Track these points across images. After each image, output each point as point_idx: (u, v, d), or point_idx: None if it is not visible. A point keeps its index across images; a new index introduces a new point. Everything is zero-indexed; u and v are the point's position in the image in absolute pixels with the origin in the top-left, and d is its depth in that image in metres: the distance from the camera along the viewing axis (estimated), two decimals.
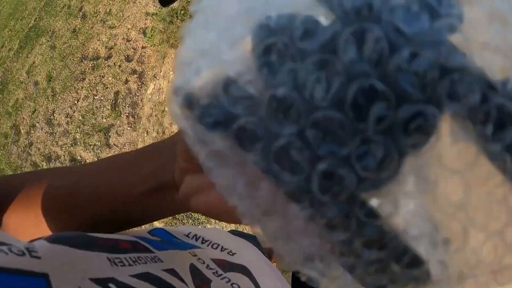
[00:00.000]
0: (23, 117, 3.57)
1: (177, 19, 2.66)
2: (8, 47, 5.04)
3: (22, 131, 3.44)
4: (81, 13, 3.76)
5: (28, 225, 0.33)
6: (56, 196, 0.33)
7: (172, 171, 0.27)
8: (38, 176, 0.37)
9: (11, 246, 0.18)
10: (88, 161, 2.58)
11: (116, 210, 0.32)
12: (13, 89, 4.06)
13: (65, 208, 0.33)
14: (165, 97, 2.50)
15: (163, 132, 2.34)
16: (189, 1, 2.78)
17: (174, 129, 2.29)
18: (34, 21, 4.75)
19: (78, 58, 3.25)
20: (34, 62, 3.94)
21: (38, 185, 0.34)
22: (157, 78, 2.68)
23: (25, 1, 6.29)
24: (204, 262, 0.34)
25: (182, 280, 0.28)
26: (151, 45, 2.86)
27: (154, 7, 3.35)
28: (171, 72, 2.58)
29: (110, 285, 0.21)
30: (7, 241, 0.19)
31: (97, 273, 0.22)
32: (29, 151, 3.17)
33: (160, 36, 2.73)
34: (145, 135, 2.45)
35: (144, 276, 0.24)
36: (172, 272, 0.28)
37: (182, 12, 2.69)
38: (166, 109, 2.43)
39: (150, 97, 2.60)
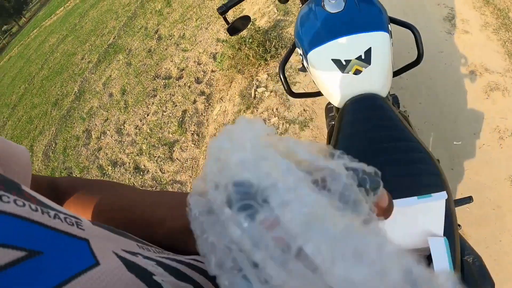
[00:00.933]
0: (95, 124, 3.88)
1: (245, 46, 2.80)
2: (88, 59, 5.53)
3: (93, 136, 3.72)
4: (156, 35, 4.08)
5: None
6: (102, 210, 0.42)
7: None
8: (98, 186, 0.47)
9: (67, 216, 0.23)
10: (150, 170, 2.75)
11: (147, 236, 0.38)
12: (89, 98, 4.44)
13: (106, 221, 0.38)
14: (228, 119, 2.63)
15: None
16: (257, 31, 2.94)
17: None
18: (113, 39, 5.20)
19: (152, 76, 3.50)
20: (110, 76, 4.30)
21: (95, 193, 0.44)
22: (223, 101, 2.82)
23: (106, 20, 6.90)
24: None
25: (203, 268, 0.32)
26: (220, 69, 3.03)
27: (225, 34, 3.56)
28: (237, 96, 2.72)
29: (137, 255, 0.26)
30: (66, 212, 0.24)
31: (128, 248, 0.27)
32: (97, 154, 3.41)
33: (229, 61, 2.89)
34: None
35: (167, 258, 0.29)
36: (193, 260, 0.32)
37: (250, 40, 2.83)
38: None
39: (215, 118, 2.75)
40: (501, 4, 2.95)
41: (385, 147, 0.95)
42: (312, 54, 1.18)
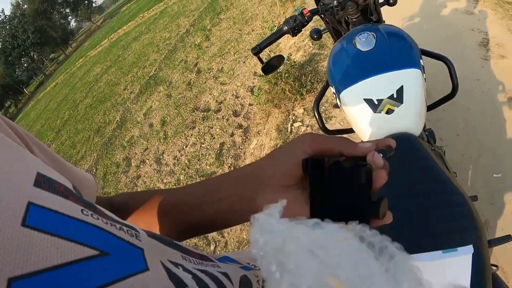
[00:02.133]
0: (135, 152, 4.00)
1: (282, 81, 2.84)
2: (130, 90, 5.78)
3: (132, 164, 3.83)
4: (196, 68, 4.22)
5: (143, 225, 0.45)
6: (165, 204, 0.48)
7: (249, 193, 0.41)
8: (159, 192, 0.52)
9: (129, 229, 0.29)
10: None
11: (205, 217, 0.45)
12: (130, 127, 4.61)
13: (168, 213, 0.47)
14: (265, 153, 2.64)
15: None
16: (292, 65, 2.98)
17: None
18: (155, 71, 5.42)
19: (191, 108, 3.60)
20: (151, 107, 4.46)
21: (156, 197, 0.50)
22: (260, 134, 2.84)
23: (148, 53, 7.24)
24: (259, 281, 0.45)
25: (231, 282, 0.37)
26: (257, 103, 3.07)
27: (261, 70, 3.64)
28: (273, 130, 2.73)
29: (179, 266, 0.31)
30: (128, 224, 0.30)
31: (173, 259, 0.32)
32: (136, 182, 3.50)
33: (266, 96, 2.93)
34: None
35: (203, 271, 0.34)
36: (225, 275, 0.37)
37: (286, 75, 2.87)
38: None
39: (252, 151, 2.77)
40: None
41: (417, 190, 0.92)
42: (344, 94, 1.17)
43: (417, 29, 3.14)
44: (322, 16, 1.43)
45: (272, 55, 1.58)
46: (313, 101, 2.76)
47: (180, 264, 0.32)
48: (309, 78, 2.89)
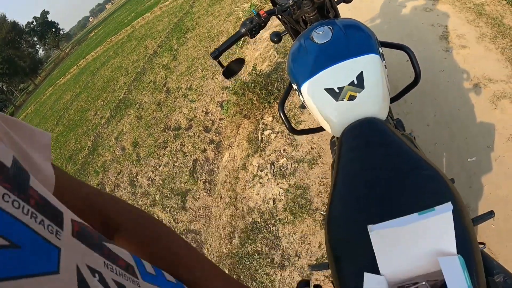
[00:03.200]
0: (109, 177, 3.90)
1: (249, 91, 2.85)
2: (100, 115, 5.68)
3: (107, 188, 3.73)
4: (165, 88, 4.19)
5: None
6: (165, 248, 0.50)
7: None
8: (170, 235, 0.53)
9: (50, 224, 0.27)
10: (164, 221, 2.72)
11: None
12: (102, 152, 4.50)
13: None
14: (238, 165, 2.63)
15: (235, 198, 2.43)
16: (258, 75, 3.00)
17: (245, 194, 2.37)
18: (124, 94, 5.35)
19: (162, 128, 3.56)
20: (122, 130, 4.38)
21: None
22: (232, 147, 2.84)
23: (117, 77, 7.16)
24: None
25: None
26: (227, 117, 3.07)
27: (229, 81, 3.65)
28: (244, 141, 2.73)
29: (96, 274, 0.29)
30: (52, 220, 0.28)
31: (93, 264, 0.30)
32: None
33: (234, 107, 2.93)
34: (219, 200, 2.55)
35: (120, 286, 0.32)
36: None
37: (252, 84, 2.89)
38: (239, 176, 2.54)
39: (225, 164, 2.75)
40: (494, 13, 2.98)
41: (387, 167, 0.90)
42: (304, 87, 1.16)
43: (378, 29, 3.24)
44: (280, 17, 1.42)
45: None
46: None
47: (99, 272, 0.30)
48: (275, 86, 2.92)
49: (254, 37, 1.31)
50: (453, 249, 0.63)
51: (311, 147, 2.40)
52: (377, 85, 1.11)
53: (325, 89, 1.10)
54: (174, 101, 3.84)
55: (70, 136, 6.17)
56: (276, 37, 1.37)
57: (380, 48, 1.19)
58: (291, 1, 1.31)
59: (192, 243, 2.33)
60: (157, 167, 3.25)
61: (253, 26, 1.26)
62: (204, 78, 3.93)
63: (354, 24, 1.21)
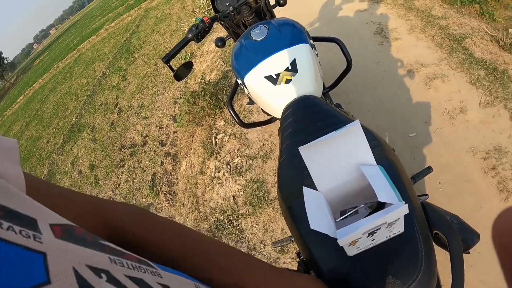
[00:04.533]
0: None
1: (199, 99, 2.90)
2: (53, 142, 5.43)
3: None
4: (117, 109, 4.12)
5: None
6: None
7: None
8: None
9: (22, 229, 0.21)
10: None
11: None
12: (59, 178, 4.31)
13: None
14: (196, 171, 2.66)
15: (197, 202, 2.46)
16: (207, 83, 3.06)
17: (206, 197, 2.42)
18: (76, 118, 5.17)
19: (117, 147, 3.50)
20: (77, 154, 4.24)
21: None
22: (188, 155, 2.86)
23: (67, 102, 6.88)
24: None
25: None
26: (180, 127, 3.09)
27: (180, 93, 3.67)
28: (200, 148, 2.77)
29: (102, 274, 0.23)
30: (30, 222, 0.22)
31: (95, 263, 0.23)
32: None
33: (187, 117, 2.96)
34: (182, 207, 2.57)
35: (138, 281, 0.26)
36: None
37: (202, 93, 2.94)
38: (198, 181, 2.58)
39: (183, 173, 2.77)
40: (423, 7, 3.23)
41: (324, 130, 1.00)
42: (247, 78, 1.27)
43: (319, 31, 3.41)
44: (222, 22, 1.52)
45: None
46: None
47: (105, 271, 0.24)
48: (224, 92, 2.99)
49: (199, 41, 1.40)
50: (372, 161, 0.69)
51: (263, 144, 2.49)
52: (309, 68, 1.24)
53: (265, 77, 1.22)
54: (127, 120, 3.79)
55: (24, 167, 5.79)
56: (220, 42, 1.47)
57: (310, 40, 1.34)
58: (231, 8, 1.41)
59: None
60: (117, 185, 3.20)
61: (199, 32, 1.36)
62: (155, 94, 3.92)
63: (287, 21, 1.35)
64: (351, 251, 0.67)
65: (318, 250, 0.76)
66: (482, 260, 1.63)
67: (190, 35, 1.36)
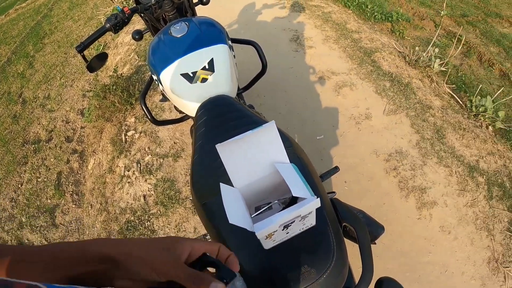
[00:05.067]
0: None
1: (110, 94, 2.71)
2: None
3: None
4: (21, 99, 3.69)
5: None
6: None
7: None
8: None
9: None
10: (35, 242, 2.45)
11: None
12: None
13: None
14: (104, 170, 2.50)
15: (106, 202, 2.32)
16: (119, 77, 2.88)
17: (116, 197, 2.29)
18: None
19: (20, 142, 3.15)
20: None
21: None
22: (96, 152, 2.68)
23: None
24: None
25: None
26: (89, 122, 2.87)
27: (89, 86, 3.40)
28: (109, 145, 2.60)
29: None
30: None
31: None
32: None
33: (96, 112, 2.76)
34: (90, 208, 2.40)
35: None
36: None
37: (114, 87, 2.76)
38: (107, 180, 2.42)
39: (91, 172, 2.58)
40: (339, 20, 3.37)
41: (237, 129, 1.02)
42: (163, 74, 1.24)
43: (236, 33, 3.37)
44: (142, 15, 1.46)
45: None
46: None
47: None
48: (136, 87, 2.83)
49: (117, 32, 1.32)
50: (286, 159, 0.73)
51: (174, 142, 2.42)
52: (226, 69, 1.24)
53: (181, 74, 1.21)
54: (32, 112, 3.42)
55: None
56: (137, 35, 1.41)
57: (229, 41, 1.35)
58: (153, 0, 1.36)
59: None
60: (19, 185, 2.88)
61: (117, 22, 1.28)
62: (63, 85, 3.58)
63: (208, 21, 1.34)
64: (267, 244, 0.71)
65: (235, 245, 0.78)
66: (387, 250, 1.77)
67: (108, 24, 1.28)
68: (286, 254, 0.73)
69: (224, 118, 1.10)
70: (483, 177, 2.12)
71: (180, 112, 1.80)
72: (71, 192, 2.55)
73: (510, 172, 2.19)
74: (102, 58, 1.35)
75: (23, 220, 2.66)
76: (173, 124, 1.72)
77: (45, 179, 2.73)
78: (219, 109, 1.15)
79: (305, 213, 0.65)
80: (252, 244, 0.72)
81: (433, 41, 2.94)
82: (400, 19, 3.58)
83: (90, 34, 1.29)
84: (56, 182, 2.65)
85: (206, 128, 1.09)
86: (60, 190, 2.59)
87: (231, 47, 1.34)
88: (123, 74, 3.01)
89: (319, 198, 0.62)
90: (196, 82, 1.21)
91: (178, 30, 1.26)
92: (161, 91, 1.51)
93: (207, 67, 1.21)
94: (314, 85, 2.66)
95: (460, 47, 3.14)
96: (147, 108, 1.42)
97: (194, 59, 1.22)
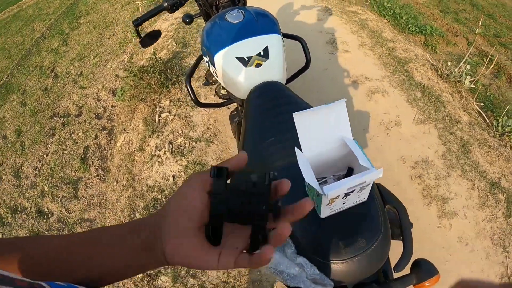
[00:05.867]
0: None
1: (147, 75, 2.69)
2: None
3: None
4: (53, 74, 3.68)
5: None
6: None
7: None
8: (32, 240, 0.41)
9: None
10: (55, 212, 2.42)
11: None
12: None
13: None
14: (134, 148, 2.47)
15: (133, 179, 2.29)
16: (158, 60, 2.85)
17: (144, 175, 2.25)
18: (6, 78, 4.54)
19: (49, 114, 3.13)
20: (3, 117, 3.72)
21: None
22: (127, 131, 2.64)
23: None
24: None
25: None
26: (122, 101, 2.84)
27: (123, 71, 3.38)
28: (141, 124, 2.57)
29: None
30: None
31: None
32: None
33: (131, 91, 2.73)
34: (115, 184, 2.37)
35: None
36: None
37: (152, 69, 2.73)
38: (136, 158, 2.39)
39: (120, 149, 2.55)
40: (375, 27, 3.33)
41: (289, 116, 1.06)
42: (218, 56, 1.25)
43: None
44: None
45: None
46: (178, 94, 2.70)
47: None
48: (174, 71, 2.81)
49: (173, 12, 1.35)
50: (350, 135, 0.78)
51: (208, 128, 2.39)
52: (279, 57, 1.27)
53: (236, 58, 1.22)
54: (63, 87, 3.40)
55: None
56: (188, 18, 1.43)
57: (281, 33, 1.38)
58: None
59: None
60: (44, 155, 2.86)
61: (175, 2, 1.32)
62: (96, 64, 3.56)
63: (263, 11, 1.37)
64: (325, 212, 0.75)
65: None
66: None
67: (166, 3, 1.31)
68: (339, 224, 0.77)
69: (277, 102, 1.13)
70: (503, 195, 2.09)
71: (222, 97, 1.79)
72: (96, 167, 2.52)
73: None
74: (155, 35, 1.38)
75: (45, 189, 2.64)
76: (214, 108, 1.73)
77: (71, 152, 2.71)
78: (272, 93, 1.18)
79: (369, 181, 0.69)
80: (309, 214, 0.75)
81: (465, 58, 2.89)
82: (434, 33, 3.52)
83: (148, 11, 1.31)
84: (82, 156, 2.62)
85: (260, 109, 1.12)
86: (86, 164, 2.56)
87: (283, 38, 1.37)
88: (161, 58, 2.98)
89: (382, 169, 0.66)
90: (251, 67, 1.22)
91: (235, 16, 1.28)
92: (206, 74, 1.52)
93: (262, 53, 1.23)
94: (348, 88, 2.62)
95: (491, 67, 3.08)
96: (191, 88, 1.43)
97: (250, 45, 1.24)
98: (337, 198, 0.69)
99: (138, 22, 1.28)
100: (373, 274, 0.78)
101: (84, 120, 2.89)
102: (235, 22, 1.27)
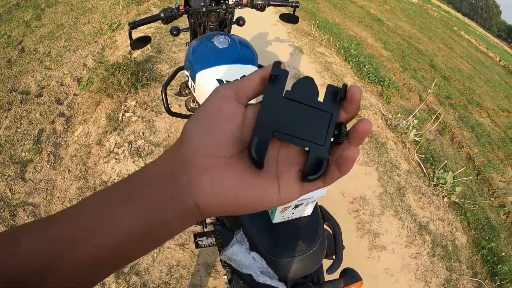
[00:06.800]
0: None
1: (119, 72, 2.63)
2: None
3: None
4: (20, 46, 3.45)
5: None
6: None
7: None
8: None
9: None
10: None
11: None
12: None
13: None
14: (92, 140, 2.39)
15: (86, 171, 2.21)
16: (132, 60, 2.80)
17: (98, 169, 2.18)
18: None
19: (8, 88, 2.94)
20: None
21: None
22: (87, 122, 2.56)
23: None
24: None
25: None
26: (87, 91, 2.74)
27: (92, 61, 3.26)
28: (103, 119, 2.50)
29: None
30: None
31: None
32: None
33: (98, 84, 2.65)
34: (66, 173, 2.28)
35: None
36: None
37: (124, 67, 2.68)
38: (92, 151, 2.32)
39: (77, 139, 2.46)
40: (338, 71, 3.53)
41: None
42: (201, 74, 1.30)
43: None
44: (190, 16, 1.55)
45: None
46: (145, 96, 2.67)
47: None
48: (145, 74, 2.77)
49: (166, 24, 1.42)
50: None
51: (168, 135, 2.38)
52: None
53: (217, 79, 1.28)
54: (28, 63, 3.21)
55: None
56: (176, 31, 1.49)
57: (258, 64, 1.47)
58: (204, 9, 1.47)
59: (31, 218, 2.03)
60: None
61: (171, 15, 1.39)
62: (66, 48, 3.41)
63: (246, 42, 1.45)
64: (277, 218, 0.92)
65: (248, 219, 0.96)
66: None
67: (163, 14, 1.37)
68: (287, 229, 0.94)
69: None
70: (430, 236, 2.29)
71: (190, 110, 1.83)
72: (48, 152, 2.41)
73: (454, 239, 2.36)
74: (145, 40, 1.43)
75: None
76: (181, 118, 1.77)
77: (25, 132, 2.56)
78: None
79: (315, 198, 0.86)
80: (262, 219, 0.95)
81: (414, 112, 3.13)
82: (391, 86, 3.77)
83: (144, 17, 1.37)
84: (36, 138, 2.49)
85: None
86: (38, 147, 2.44)
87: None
88: (135, 59, 2.93)
89: (326, 189, 0.83)
90: None
91: (221, 42, 1.35)
92: (180, 86, 1.58)
93: (239, 80, 1.31)
94: None
95: (436, 124, 3.36)
96: (166, 97, 1.47)
97: (231, 70, 1.31)
98: (289, 207, 0.86)
99: (134, 25, 1.33)
100: (309, 275, 0.96)
101: (44, 102, 2.75)
102: (221, 47, 1.34)
